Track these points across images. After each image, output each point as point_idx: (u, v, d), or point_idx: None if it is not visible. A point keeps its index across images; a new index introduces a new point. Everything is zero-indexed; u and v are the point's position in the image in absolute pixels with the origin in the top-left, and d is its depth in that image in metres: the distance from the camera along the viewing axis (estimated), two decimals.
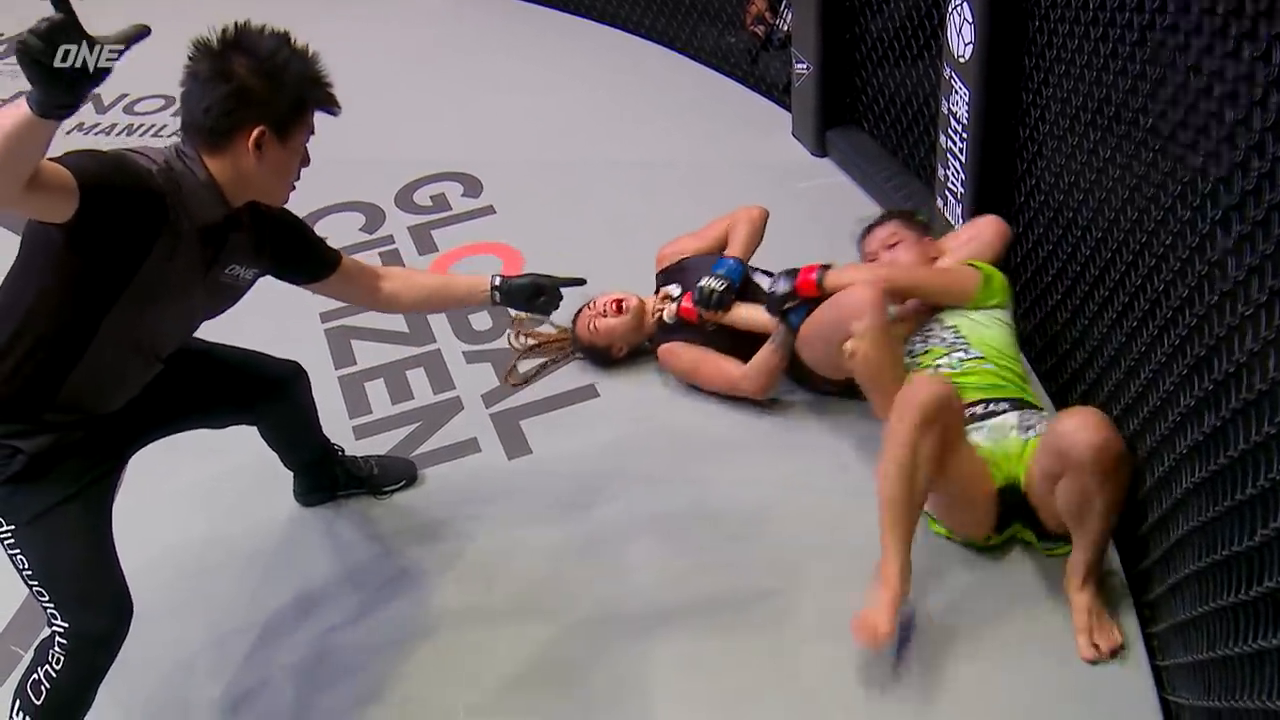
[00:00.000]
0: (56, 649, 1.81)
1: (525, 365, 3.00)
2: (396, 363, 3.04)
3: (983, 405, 2.34)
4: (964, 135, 2.85)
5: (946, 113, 2.92)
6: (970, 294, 2.51)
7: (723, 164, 3.81)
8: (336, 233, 3.62)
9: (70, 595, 1.81)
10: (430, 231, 3.62)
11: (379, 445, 2.75)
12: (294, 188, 1.91)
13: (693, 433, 2.74)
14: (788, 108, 3.95)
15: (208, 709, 2.17)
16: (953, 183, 2.98)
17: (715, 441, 2.70)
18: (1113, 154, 2.29)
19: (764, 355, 2.68)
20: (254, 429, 2.37)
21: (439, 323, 3.17)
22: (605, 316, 2.89)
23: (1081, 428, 2.01)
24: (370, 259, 3.48)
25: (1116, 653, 2.08)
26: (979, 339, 2.47)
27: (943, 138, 2.97)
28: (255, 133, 1.76)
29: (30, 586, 1.81)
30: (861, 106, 3.71)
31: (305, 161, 1.88)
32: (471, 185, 3.86)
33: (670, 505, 2.53)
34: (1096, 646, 2.08)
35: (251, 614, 2.35)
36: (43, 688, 1.82)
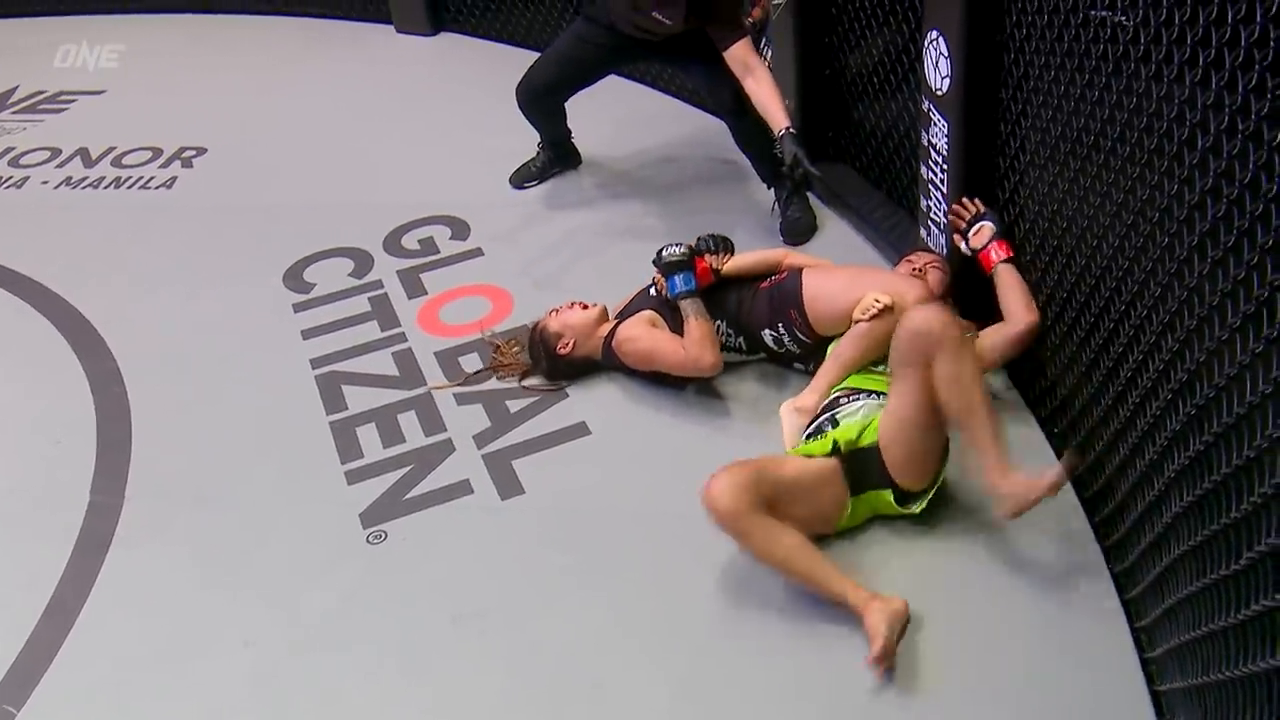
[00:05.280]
0: None
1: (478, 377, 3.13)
2: (388, 406, 3.05)
3: (864, 393, 2.61)
4: (944, 166, 2.88)
5: (927, 145, 2.95)
6: None
7: (709, 201, 3.84)
8: (325, 278, 3.64)
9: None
10: (419, 275, 3.63)
11: (371, 489, 2.75)
12: None
13: (686, 468, 2.73)
14: None
15: None
16: (935, 213, 3.01)
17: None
18: (1092, 182, 2.32)
19: (689, 327, 2.84)
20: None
21: (429, 365, 3.19)
22: (568, 310, 3.03)
23: (928, 311, 2.33)
24: (359, 304, 3.51)
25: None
26: None
27: (924, 169, 3.01)
28: None
29: None
30: (843, 141, 3.75)
31: None
32: (459, 228, 3.88)
33: (664, 542, 2.53)
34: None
35: (247, 650, 2.34)
36: None
